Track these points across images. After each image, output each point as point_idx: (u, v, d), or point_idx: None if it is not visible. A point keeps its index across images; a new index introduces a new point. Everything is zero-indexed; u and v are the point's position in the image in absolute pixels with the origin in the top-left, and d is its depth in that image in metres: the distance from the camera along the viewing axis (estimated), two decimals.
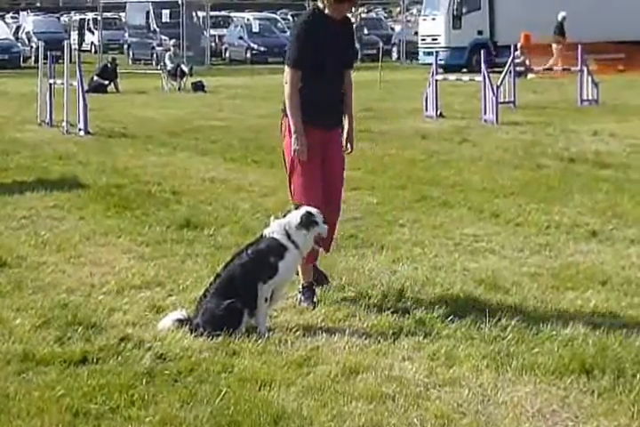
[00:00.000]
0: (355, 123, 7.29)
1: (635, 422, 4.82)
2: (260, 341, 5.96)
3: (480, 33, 36.56)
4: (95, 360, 5.66)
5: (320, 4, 6.82)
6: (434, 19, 37.49)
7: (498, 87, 19.56)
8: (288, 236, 6.32)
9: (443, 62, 33.22)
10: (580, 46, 21.82)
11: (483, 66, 19.76)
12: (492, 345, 5.87)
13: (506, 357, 5.67)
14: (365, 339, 6.02)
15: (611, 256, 8.11)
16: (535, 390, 5.24)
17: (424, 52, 37.02)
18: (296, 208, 6.53)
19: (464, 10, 36.94)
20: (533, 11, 34.13)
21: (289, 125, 6.83)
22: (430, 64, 19.92)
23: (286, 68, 6.81)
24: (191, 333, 6.09)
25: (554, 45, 32.89)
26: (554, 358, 5.61)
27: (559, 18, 33.33)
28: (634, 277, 7.39)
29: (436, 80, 20.14)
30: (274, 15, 53.81)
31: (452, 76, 21.59)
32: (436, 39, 37.04)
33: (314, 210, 6.43)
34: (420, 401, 5.08)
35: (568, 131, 17.24)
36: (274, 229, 6.37)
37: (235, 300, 6.09)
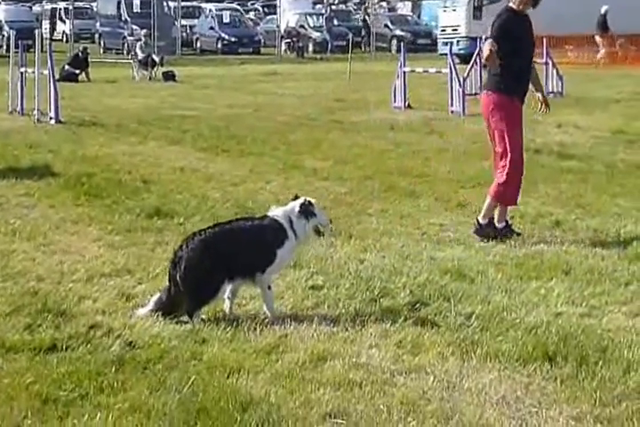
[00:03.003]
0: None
1: (597, 409, 4.89)
2: (228, 328, 6.01)
3: None
4: (65, 348, 5.68)
5: (511, 4, 8.50)
6: (454, 10, 38.17)
7: (464, 79, 19.63)
8: (291, 223, 6.30)
9: (462, 51, 33.54)
10: (544, 39, 21.83)
11: (449, 57, 19.84)
12: (458, 333, 5.94)
13: (471, 344, 5.74)
14: (333, 327, 6.08)
15: (574, 246, 8.21)
16: (499, 377, 5.31)
17: (443, 43, 37.46)
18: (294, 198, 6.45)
19: (485, 1, 37.47)
20: (551, 2, 34.41)
21: (496, 102, 8.42)
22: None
23: (490, 40, 8.27)
24: (169, 293, 6.10)
25: (597, 38, 33.31)
26: (518, 345, 5.69)
27: (602, 11, 33.76)
28: (596, 267, 7.48)
29: (404, 71, 20.20)
30: (236, 6, 53.78)
31: (419, 68, 21.63)
32: (456, 29, 37.57)
33: (313, 200, 6.42)
34: (387, 388, 5.15)
35: (533, 122, 17.30)
36: (277, 213, 6.32)
37: (217, 266, 6.06)
